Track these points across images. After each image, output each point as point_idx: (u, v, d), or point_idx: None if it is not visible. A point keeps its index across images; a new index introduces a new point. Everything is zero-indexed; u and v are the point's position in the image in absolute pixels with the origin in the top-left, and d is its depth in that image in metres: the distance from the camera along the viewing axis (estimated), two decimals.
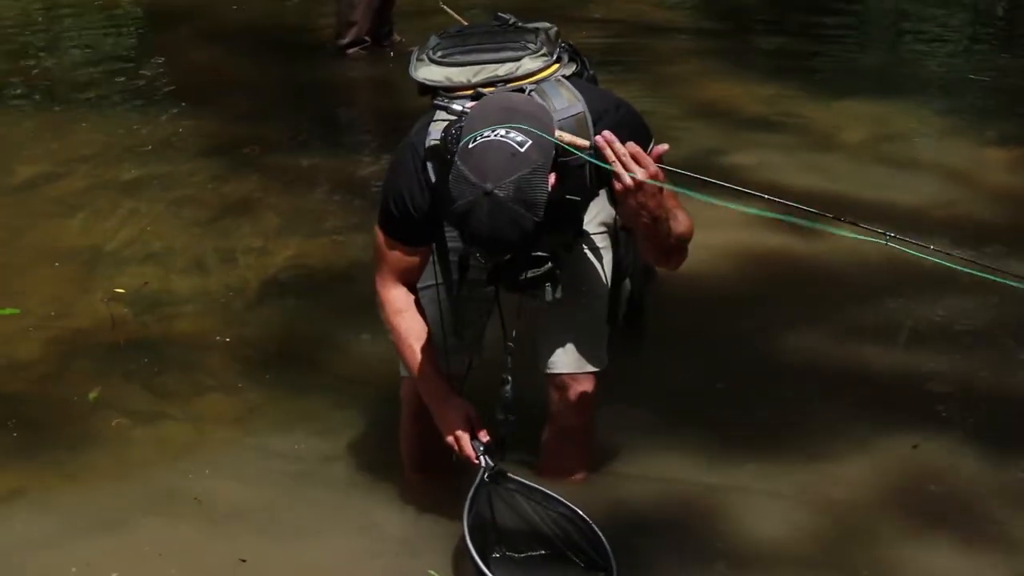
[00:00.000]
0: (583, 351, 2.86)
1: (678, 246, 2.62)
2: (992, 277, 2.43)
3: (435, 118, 2.60)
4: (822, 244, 4.03)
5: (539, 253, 2.54)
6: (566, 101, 2.55)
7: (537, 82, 2.59)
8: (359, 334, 3.67)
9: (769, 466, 3.14)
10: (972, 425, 3.31)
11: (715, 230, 3.45)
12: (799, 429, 3.29)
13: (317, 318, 3.90)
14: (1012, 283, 2.43)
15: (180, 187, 4.89)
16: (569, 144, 2.42)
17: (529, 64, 2.61)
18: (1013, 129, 5.41)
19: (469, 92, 2.59)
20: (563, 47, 2.72)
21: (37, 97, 6.05)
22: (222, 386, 3.54)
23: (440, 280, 2.79)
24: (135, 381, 3.56)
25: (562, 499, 2.67)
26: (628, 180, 2.40)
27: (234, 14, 7.28)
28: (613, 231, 2.90)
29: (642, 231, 2.53)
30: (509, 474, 2.69)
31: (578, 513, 2.66)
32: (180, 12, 7.28)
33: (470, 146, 2.35)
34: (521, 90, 2.57)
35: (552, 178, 2.39)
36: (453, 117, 2.53)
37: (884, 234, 2.38)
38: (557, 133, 2.42)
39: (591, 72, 2.78)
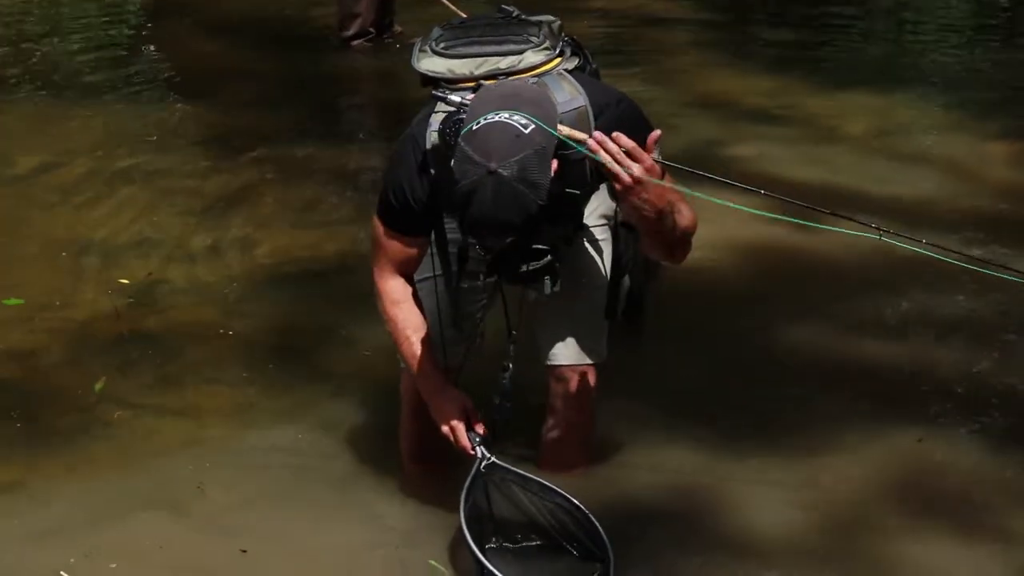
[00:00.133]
0: (583, 343, 2.87)
1: (682, 240, 2.62)
2: (985, 270, 2.43)
3: (436, 109, 2.60)
4: (822, 238, 4.00)
5: (539, 246, 2.54)
6: (568, 95, 2.55)
7: (539, 76, 2.59)
8: (361, 325, 3.68)
9: (770, 459, 3.14)
10: (975, 419, 3.30)
11: (715, 224, 3.45)
12: (800, 423, 3.29)
13: (319, 309, 3.91)
14: (1004, 276, 2.43)
15: (181, 177, 4.89)
16: (568, 137, 2.43)
17: (532, 57, 2.61)
18: (1015, 123, 5.40)
19: (471, 84, 2.59)
20: (566, 41, 2.72)
21: (36, 87, 6.05)
22: (224, 378, 3.54)
23: (438, 272, 2.79)
24: (137, 373, 3.56)
25: (558, 489, 2.68)
26: (626, 178, 2.40)
27: (236, 4, 7.29)
28: (613, 224, 2.90)
29: (646, 227, 2.53)
30: (506, 465, 2.70)
31: (574, 503, 2.67)
32: (181, 1, 7.28)
33: (474, 128, 2.36)
34: None
35: (555, 164, 2.39)
36: (452, 108, 2.53)
37: (877, 229, 2.38)
38: (557, 125, 2.43)
39: (594, 66, 2.78)
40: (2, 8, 7.21)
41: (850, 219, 2.46)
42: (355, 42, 6.46)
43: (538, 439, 2.98)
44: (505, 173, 2.31)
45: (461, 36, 2.66)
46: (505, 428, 2.77)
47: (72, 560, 2.76)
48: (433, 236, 2.73)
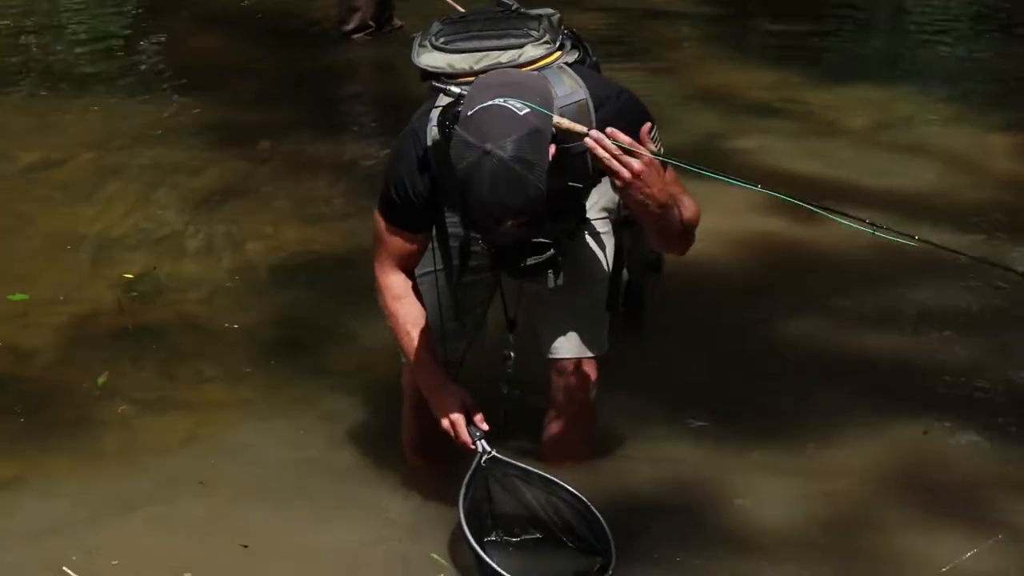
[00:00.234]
0: (584, 337, 2.87)
1: (686, 231, 2.62)
2: (983, 262, 2.44)
3: (436, 104, 2.60)
4: (823, 231, 4.02)
5: (541, 240, 2.55)
6: (568, 88, 2.55)
7: (539, 69, 2.59)
8: (363, 320, 3.67)
9: (772, 452, 3.14)
10: (979, 412, 3.30)
11: (717, 217, 3.46)
12: (802, 415, 3.29)
13: (322, 304, 3.91)
14: (999, 266, 2.44)
15: (182, 172, 4.89)
16: (567, 130, 2.43)
17: (531, 51, 2.61)
18: (1017, 114, 5.39)
19: (471, 79, 2.58)
20: (566, 34, 2.72)
21: (35, 82, 6.04)
22: (226, 373, 3.55)
23: (439, 266, 2.79)
24: (141, 367, 3.57)
25: (560, 482, 2.68)
26: (626, 174, 2.41)
27: None
28: (614, 217, 2.90)
29: (650, 221, 2.54)
30: (507, 459, 2.70)
31: (576, 495, 2.67)
32: None
33: (469, 114, 2.38)
34: None
35: (552, 149, 2.39)
36: (452, 99, 2.53)
37: (871, 224, 2.39)
38: (556, 119, 2.43)
39: (594, 59, 2.78)
40: (3, 2, 7.20)
41: (844, 214, 2.46)
42: (355, 36, 6.46)
43: (539, 432, 2.97)
44: (500, 153, 2.31)
45: (461, 31, 2.66)
46: (514, 416, 2.78)
47: (74, 557, 2.76)
48: (434, 231, 2.73)
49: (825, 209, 2.48)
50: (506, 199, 2.35)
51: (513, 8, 2.73)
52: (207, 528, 2.90)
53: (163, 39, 6.66)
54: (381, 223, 2.72)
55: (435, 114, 2.58)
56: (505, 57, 2.60)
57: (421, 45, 2.69)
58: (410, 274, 2.78)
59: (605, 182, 2.73)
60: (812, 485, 3.03)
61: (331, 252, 4.23)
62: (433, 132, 2.57)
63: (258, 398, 3.43)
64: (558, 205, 2.56)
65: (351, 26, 6.45)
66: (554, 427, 2.96)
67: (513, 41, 2.61)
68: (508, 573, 2.50)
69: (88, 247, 4.25)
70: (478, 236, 2.64)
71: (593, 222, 2.85)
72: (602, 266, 2.87)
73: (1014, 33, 6.88)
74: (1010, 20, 7.03)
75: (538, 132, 2.36)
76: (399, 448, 3.07)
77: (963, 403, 3.34)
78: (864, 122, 5.36)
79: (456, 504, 2.61)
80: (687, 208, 2.58)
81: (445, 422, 2.71)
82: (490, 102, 2.36)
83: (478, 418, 2.70)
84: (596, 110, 2.54)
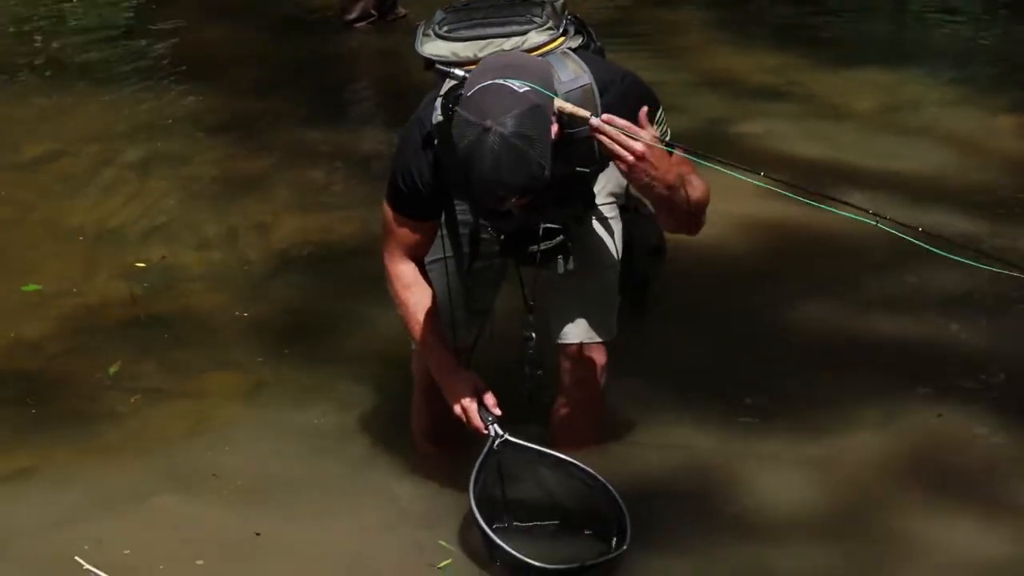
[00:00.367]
0: (593, 322, 2.87)
1: (696, 211, 2.62)
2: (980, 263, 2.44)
3: (441, 91, 2.60)
4: (831, 214, 4.00)
5: (551, 225, 2.55)
6: (572, 73, 2.55)
7: (543, 55, 2.59)
8: (373, 308, 3.67)
9: (783, 437, 3.14)
10: (992, 396, 3.29)
11: (723, 201, 3.43)
12: (813, 399, 3.28)
13: (332, 293, 3.92)
14: (998, 269, 2.44)
15: (189, 163, 4.89)
16: (571, 114, 2.43)
17: (535, 38, 2.61)
18: None
19: (475, 67, 2.58)
20: (569, 19, 2.72)
21: (43, 74, 6.04)
22: (239, 361, 3.56)
23: (449, 254, 2.79)
24: (153, 357, 3.58)
25: (575, 461, 2.69)
26: (629, 157, 2.42)
27: None
28: (622, 203, 2.90)
29: (658, 202, 2.54)
30: (519, 441, 2.70)
31: (591, 473, 2.68)
32: None
33: (469, 94, 2.38)
34: None
35: (555, 128, 2.39)
36: (456, 82, 2.53)
37: (874, 215, 2.39)
38: (558, 103, 2.43)
39: (598, 44, 2.78)
40: None
41: (847, 203, 2.47)
42: (358, 25, 6.45)
43: (548, 418, 2.98)
44: (501, 130, 2.31)
45: (464, 19, 2.66)
46: (539, 396, 2.79)
47: (85, 547, 2.77)
48: (444, 218, 2.74)
49: (826, 200, 2.48)
50: (508, 176, 2.34)
51: None
52: (219, 517, 2.91)
53: (168, 31, 6.64)
54: (389, 212, 2.73)
55: (440, 103, 2.58)
56: (509, 44, 2.60)
57: (425, 34, 2.69)
58: (420, 262, 2.78)
59: (612, 167, 2.74)
60: (823, 469, 3.03)
61: (339, 240, 4.23)
62: (437, 117, 2.57)
63: (270, 386, 3.44)
64: (565, 190, 2.56)
65: (353, 15, 6.44)
66: (563, 412, 2.97)
67: (516, 28, 2.61)
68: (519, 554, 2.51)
69: (98, 239, 4.26)
70: (487, 224, 2.64)
71: (601, 207, 2.85)
72: (610, 251, 2.87)
73: (1021, 16, 6.84)
74: (1017, 3, 6.99)
75: (538, 108, 2.35)
76: (410, 435, 3.08)
77: (977, 386, 3.33)
78: (870, 105, 5.34)
79: (467, 490, 2.62)
80: (696, 188, 2.59)
81: (457, 407, 2.72)
82: (489, 81, 2.37)
83: (490, 402, 2.71)
84: (601, 95, 2.54)
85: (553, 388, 2.94)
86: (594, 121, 2.42)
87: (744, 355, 3.49)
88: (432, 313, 2.76)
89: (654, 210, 2.66)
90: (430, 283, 2.79)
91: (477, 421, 2.70)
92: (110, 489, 3.02)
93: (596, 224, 2.86)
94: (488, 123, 2.32)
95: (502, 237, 2.68)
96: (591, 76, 2.55)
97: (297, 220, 4.37)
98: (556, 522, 2.73)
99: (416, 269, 2.77)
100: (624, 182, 2.89)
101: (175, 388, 3.44)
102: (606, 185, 2.84)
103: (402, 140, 2.70)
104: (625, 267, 2.91)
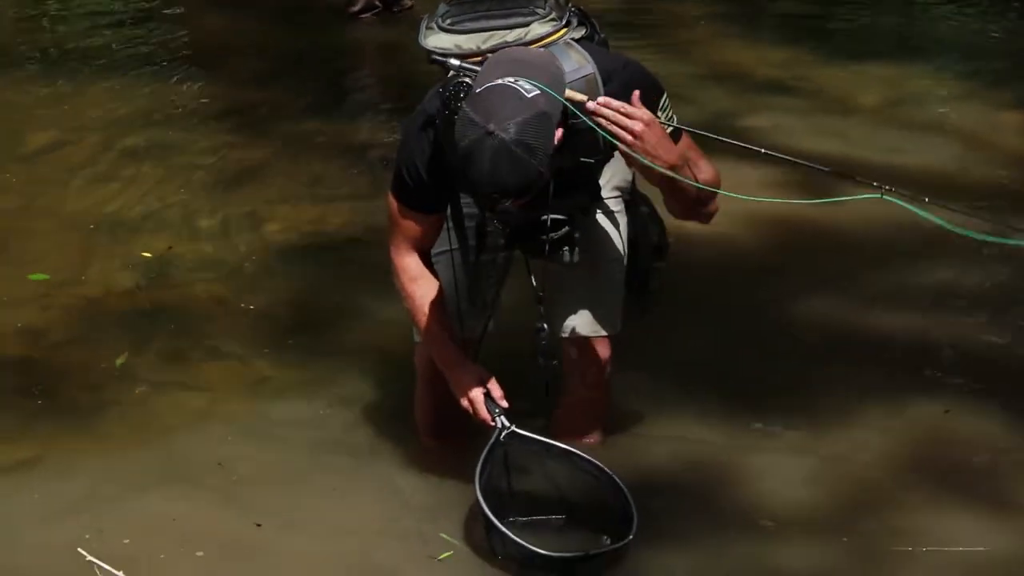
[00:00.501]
0: (597, 315, 2.87)
1: (706, 196, 2.61)
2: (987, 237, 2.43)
3: (445, 83, 2.59)
4: (836, 208, 3.99)
5: (557, 216, 2.54)
6: (575, 63, 2.55)
7: (546, 46, 2.58)
8: (377, 300, 3.67)
9: (788, 431, 3.14)
10: (1000, 390, 3.27)
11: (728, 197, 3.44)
12: (819, 394, 3.28)
13: (336, 284, 3.92)
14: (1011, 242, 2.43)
15: (193, 153, 4.89)
16: (569, 99, 2.42)
17: (538, 29, 2.60)
18: None
19: (478, 59, 2.58)
20: (572, 11, 2.71)
21: (43, 64, 6.04)
22: (242, 353, 3.56)
23: (455, 245, 2.79)
24: (159, 347, 3.58)
25: (581, 453, 2.69)
26: (627, 136, 2.43)
27: None
28: (627, 197, 2.90)
29: (663, 185, 2.54)
30: (526, 433, 2.70)
31: (597, 464, 2.68)
32: None
33: (477, 91, 2.37)
34: None
35: (559, 133, 2.39)
36: (453, 72, 2.53)
37: (879, 187, 2.38)
38: (564, 92, 2.42)
39: (601, 35, 2.77)
40: None
41: (852, 176, 2.48)
42: (363, 16, 6.44)
43: (552, 411, 2.98)
44: (503, 135, 2.31)
45: (467, 11, 2.65)
46: (554, 386, 2.79)
47: (87, 536, 2.77)
48: (449, 210, 2.74)
49: (834, 172, 2.47)
50: (504, 181, 2.34)
51: None
52: (222, 507, 2.91)
53: (171, 21, 6.64)
54: (395, 205, 2.72)
55: (441, 91, 2.57)
56: (512, 36, 2.59)
57: (428, 27, 2.68)
58: (425, 255, 2.78)
59: (617, 160, 2.73)
60: (829, 464, 3.02)
61: (343, 232, 4.23)
62: (441, 109, 2.56)
63: (274, 378, 3.44)
64: (569, 181, 2.56)
65: (358, 6, 6.43)
66: (567, 405, 2.97)
67: (519, 19, 2.61)
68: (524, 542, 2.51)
69: (101, 229, 4.26)
70: (492, 216, 2.64)
71: (606, 201, 2.84)
72: (615, 245, 2.87)
73: None
74: None
75: (545, 115, 2.35)
76: (414, 427, 3.08)
77: (984, 381, 3.32)
78: (875, 99, 5.34)
79: (472, 483, 2.62)
80: (703, 171, 2.59)
81: (464, 399, 2.71)
82: (498, 81, 2.36)
83: (497, 394, 2.71)
84: (605, 83, 2.53)
85: (544, 396, 2.94)
86: (591, 104, 2.42)
87: (748, 350, 3.48)
88: (438, 306, 2.76)
89: (664, 196, 2.65)
90: (436, 275, 2.79)
91: (484, 413, 2.70)
92: (112, 479, 3.01)
93: (601, 217, 2.85)
94: (491, 127, 2.32)
95: (508, 229, 2.68)
96: (594, 66, 2.55)
97: (299, 211, 4.37)
98: (562, 516, 2.73)
99: (421, 262, 2.77)
100: (630, 176, 2.88)
101: (178, 379, 3.44)
102: (611, 179, 2.84)
103: (406, 132, 2.70)
104: (630, 263, 2.91)
